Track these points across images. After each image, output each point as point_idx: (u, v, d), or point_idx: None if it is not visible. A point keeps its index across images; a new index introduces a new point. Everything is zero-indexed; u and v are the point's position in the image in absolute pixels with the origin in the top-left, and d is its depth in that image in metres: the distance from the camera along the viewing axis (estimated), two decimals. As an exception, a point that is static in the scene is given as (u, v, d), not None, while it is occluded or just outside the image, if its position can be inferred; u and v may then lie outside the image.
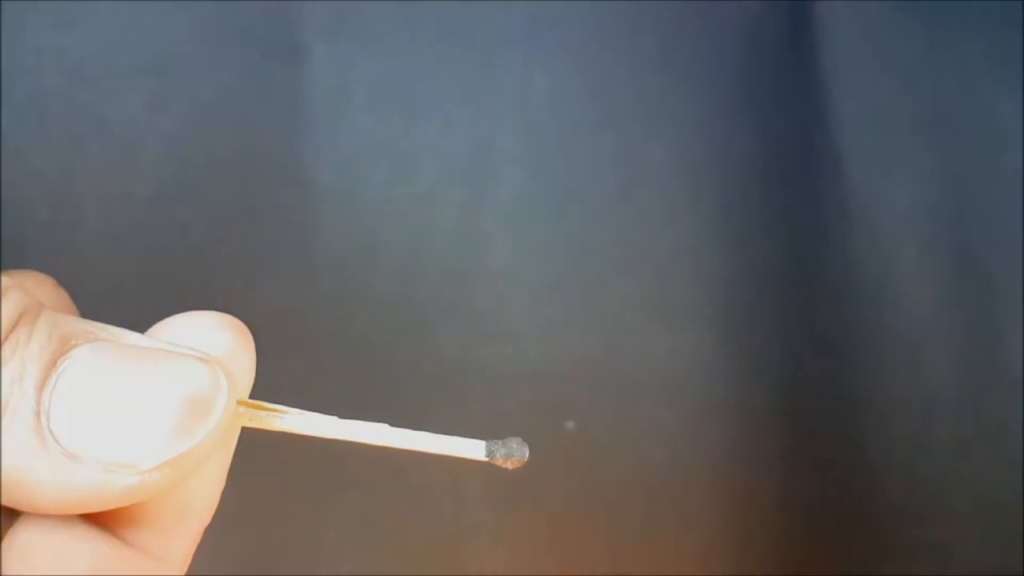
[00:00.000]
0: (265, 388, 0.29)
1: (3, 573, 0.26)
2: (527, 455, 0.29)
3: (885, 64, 0.61)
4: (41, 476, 0.24)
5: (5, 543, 0.26)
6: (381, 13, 0.58)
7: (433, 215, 0.58)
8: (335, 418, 0.28)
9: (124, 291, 0.53)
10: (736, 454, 0.59)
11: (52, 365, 0.25)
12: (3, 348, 0.25)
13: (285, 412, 0.28)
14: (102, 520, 0.27)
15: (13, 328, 0.25)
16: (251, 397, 0.28)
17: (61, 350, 0.25)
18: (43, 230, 0.53)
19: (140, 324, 0.28)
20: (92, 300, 0.32)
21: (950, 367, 0.61)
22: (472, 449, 0.29)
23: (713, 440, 0.59)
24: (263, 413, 0.28)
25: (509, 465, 0.29)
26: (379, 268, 0.57)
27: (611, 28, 0.60)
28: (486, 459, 0.29)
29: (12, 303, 0.25)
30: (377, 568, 0.56)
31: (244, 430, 0.29)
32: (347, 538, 0.56)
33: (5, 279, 0.25)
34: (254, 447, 0.32)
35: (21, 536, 0.26)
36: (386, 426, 0.28)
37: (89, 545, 0.26)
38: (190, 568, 0.29)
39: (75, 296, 0.32)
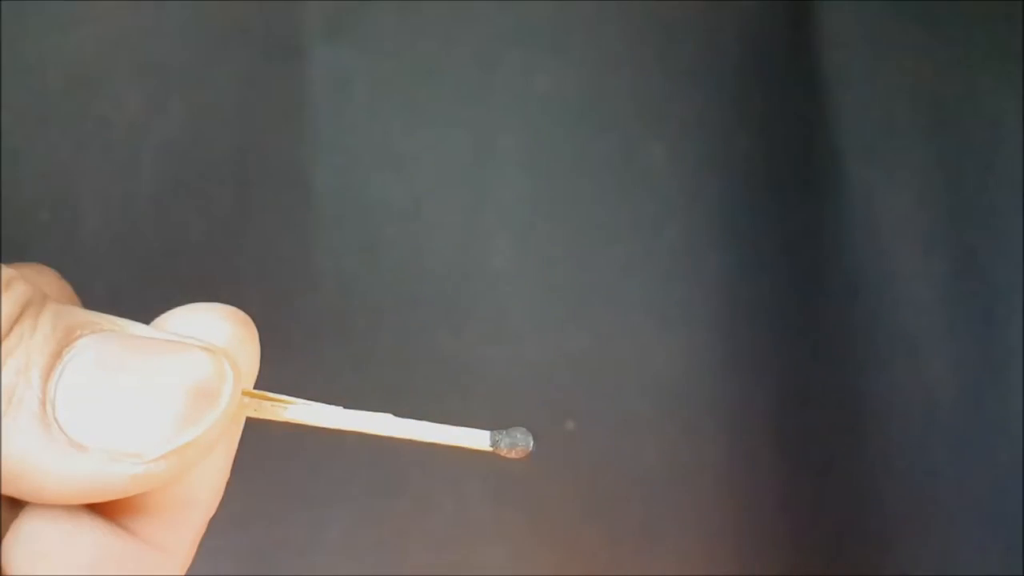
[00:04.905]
0: (265, 388, 0.29)
1: (7, 564, 0.26)
2: (532, 445, 0.29)
3: (885, 64, 0.61)
4: (46, 466, 0.24)
5: (10, 534, 0.26)
6: (381, 13, 0.58)
7: (433, 215, 0.58)
8: (340, 408, 0.28)
9: (124, 291, 0.53)
10: (736, 454, 0.59)
11: (57, 355, 0.25)
12: (8, 339, 0.25)
13: (290, 402, 0.28)
14: (107, 511, 0.27)
15: (18, 319, 0.25)
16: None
17: (66, 340, 0.25)
18: (43, 230, 0.53)
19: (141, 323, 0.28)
20: (92, 300, 0.32)
21: (950, 367, 0.61)
22: (476, 439, 0.28)
23: (713, 440, 0.59)
24: (268, 403, 0.28)
25: (513, 455, 0.28)
26: (379, 268, 0.57)
27: (611, 28, 0.60)
28: (490, 449, 0.29)
29: (16, 294, 0.25)
30: (377, 568, 0.56)
31: (247, 430, 0.29)
32: (347, 538, 0.56)
33: (9, 271, 0.25)
34: (254, 447, 0.32)
35: (26, 527, 0.26)
36: (390, 416, 0.28)
37: (94, 535, 0.26)
38: (190, 567, 0.29)
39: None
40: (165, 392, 0.25)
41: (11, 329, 0.25)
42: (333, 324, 0.56)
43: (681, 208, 0.60)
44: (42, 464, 0.24)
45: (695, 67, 0.61)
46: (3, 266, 0.25)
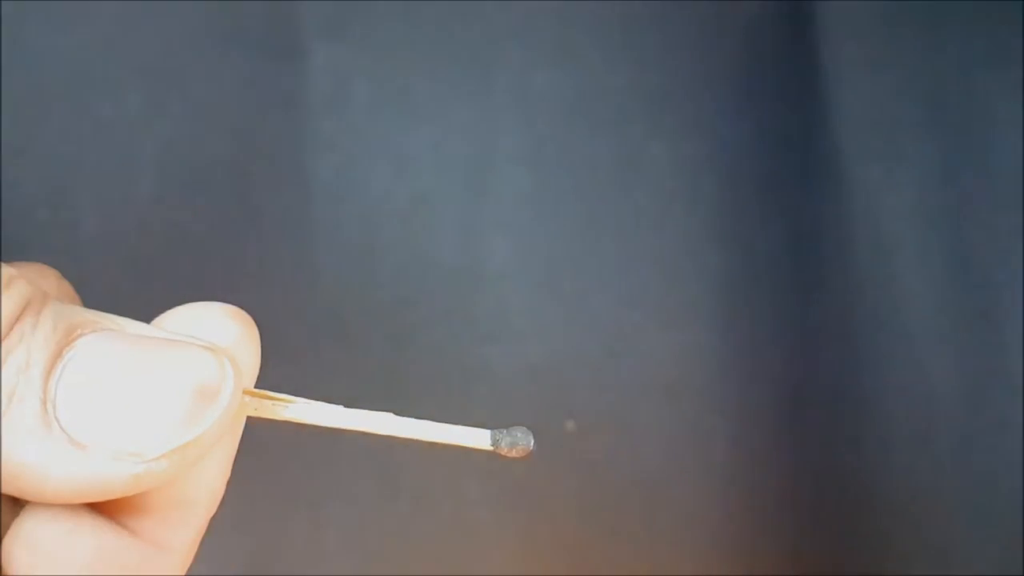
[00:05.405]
0: (265, 388, 0.29)
1: (8, 563, 0.26)
2: (532, 444, 0.29)
3: (885, 64, 0.61)
4: (47, 465, 0.24)
5: (11, 533, 0.26)
6: (381, 13, 0.58)
7: (433, 215, 0.58)
8: (340, 407, 0.28)
9: (124, 291, 0.53)
10: (736, 454, 0.59)
11: (58, 354, 0.25)
12: (9, 337, 0.25)
13: (291, 401, 0.28)
14: (108, 510, 0.27)
15: (18, 318, 0.25)
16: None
17: (67, 339, 0.25)
18: (43, 230, 0.53)
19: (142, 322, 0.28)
20: (92, 300, 0.32)
21: (950, 367, 0.61)
22: (477, 438, 0.28)
23: (713, 440, 0.59)
24: (269, 402, 0.28)
25: (514, 454, 0.28)
26: (379, 268, 0.57)
27: (611, 28, 0.60)
28: (491, 448, 0.29)
29: (17, 293, 0.25)
30: (377, 568, 0.56)
31: (247, 430, 0.29)
32: (347, 538, 0.56)
33: (9, 270, 0.25)
34: (254, 446, 0.32)
35: (27, 525, 0.26)
36: (391, 415, 0.28)
37: (95, 534, 0.26)
38: (189, 568, 0.29)
39: (74, 296, 0.32)
40: (166, 391, 0.25)
41: (12, 328, 0.25)
42: (333, 324, 0.56)
43: (681, 207, 0.60)
44: (43, 463, 0.24)
45: (695, 67, 0.61)
46: (4, 265, 0.25)
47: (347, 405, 0.28)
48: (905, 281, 0.61)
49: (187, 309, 0.28)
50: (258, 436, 0.31)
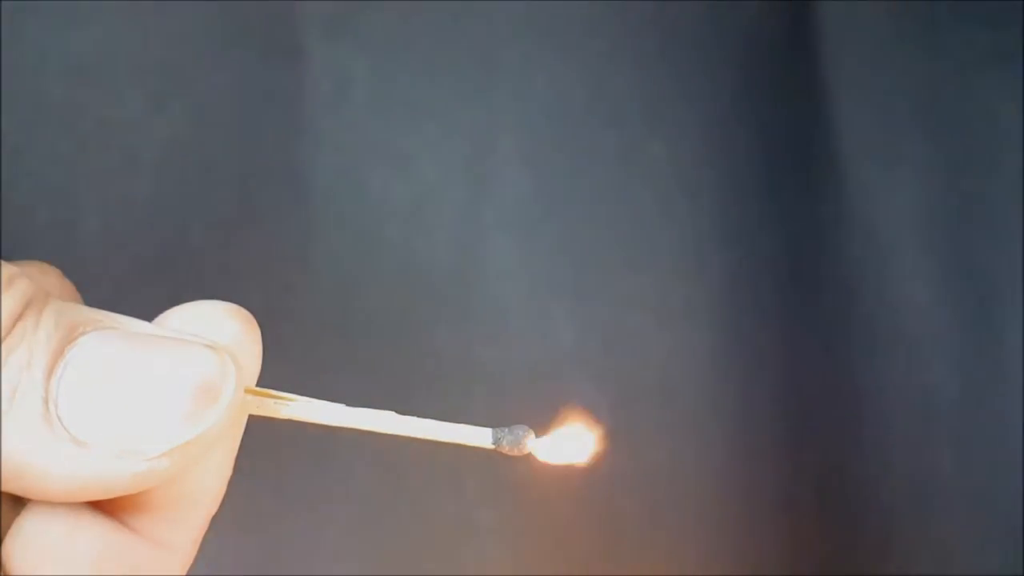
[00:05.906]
0: (266, 387, 0.29)
1: (9, 562, 0.26)
2: (534, 443, 0.29)
3: (885, 64, 0.61)
4: (49, 463, 0.24)
5: (12, 532, 0.26)
6: (381, 13, 0.58)
7: (433, 215, 0.58)
8: (342, 406, 0.28)
9: (124, 292, 0.53)
10: (736, 454, 0.59)
11: (60, 353, 0.25)
12: (10, 336, 0.25)
13: (292, 400, 0.28)
14: (109, 508, 0.27)
15: (20, 316, 0.25)
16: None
17: (68, 338, 0.25)
18: (43, 230, 0.53)
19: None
20: (92, 299, 0.32)
21: (950, 367, 0.61)
22: (478, 437, 0.28)
23: (713, 440, 0.59)
24: (270, 401, 0.28)
25: (515, 452, 0.28)
26: (379, 268, 0.57)
27: (611, 28, 0.60)
28: (493, 447, 0.29)
29: (18, 291, 0.25)
30: (377, 568, 0.56)
31: (249, 429, 0.29)
32: (347, 538, 0.56)
33: (11, 268, 0.25)
34: (255, 445, 0.32)
35: (28, 524, 0.26)
36: (392, 413, 0.28)
37: (96, 533, 0.26)
38: (189, 568, 0.29)
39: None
40: (168, 389, 0.25)
41: (13, 326, 0.25)
42: (333, 323, 0.56)
43: (681, 207, 0.60)
44: (44, 461, 0.24)
45: (695, 66, 0.61)
46: (5, 264, 0.25)
47: (348, 404, 0.28)
48: (905, 281, 0.61)
49: (188, 308, 0.28)
50: (259, 435, 0.31)
